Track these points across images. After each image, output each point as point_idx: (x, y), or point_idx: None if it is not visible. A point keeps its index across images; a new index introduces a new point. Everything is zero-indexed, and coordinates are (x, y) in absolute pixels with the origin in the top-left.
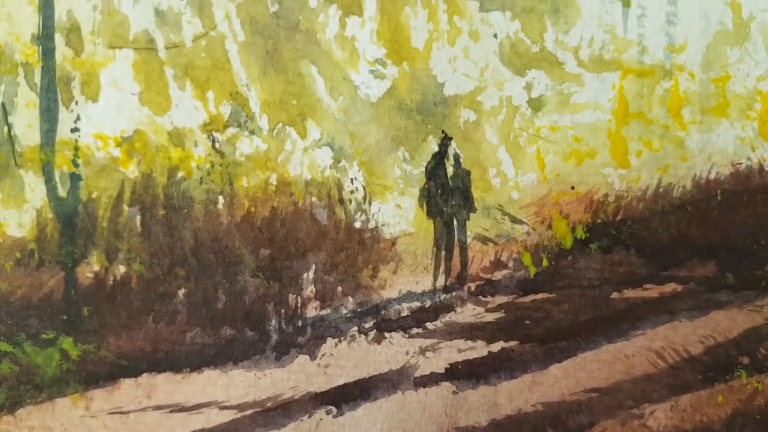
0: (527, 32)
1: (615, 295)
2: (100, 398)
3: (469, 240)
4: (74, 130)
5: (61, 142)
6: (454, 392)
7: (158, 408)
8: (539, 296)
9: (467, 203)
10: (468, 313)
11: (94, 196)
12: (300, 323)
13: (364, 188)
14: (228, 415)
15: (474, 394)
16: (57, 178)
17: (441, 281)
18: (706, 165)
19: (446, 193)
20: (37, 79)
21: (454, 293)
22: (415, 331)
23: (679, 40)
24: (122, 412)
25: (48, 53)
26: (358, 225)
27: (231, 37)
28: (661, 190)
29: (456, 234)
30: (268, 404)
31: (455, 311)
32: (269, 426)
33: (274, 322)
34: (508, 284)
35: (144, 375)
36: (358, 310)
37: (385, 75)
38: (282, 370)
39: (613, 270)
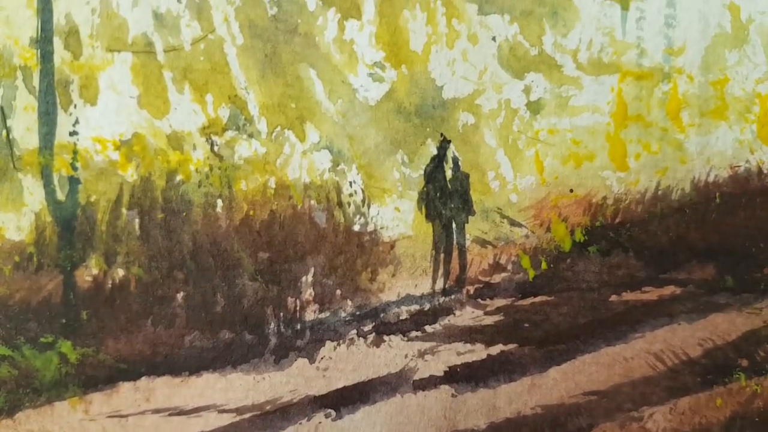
0: (526, 35)
1: (614, 297)
2: (99, 402)
3: (467, 243)
4: (73, 133)
5: (60, 145)
6: (453, 395)
7: (157, 411)
8: (538, 299)
9: (466, 206)
10: (467, 316)
11: (92, 199)
12: (299, 326)
13: (362, 191)
14: (227, 419)
15: (473, 397)
16: (55, 182)
17: (440, 284)
18: (705, 168)
19: (445, 196)
20: (36, 82)
21: (452, 296)
22: (414, 334)
23: (678, 42)
24: (121, 416)
25: (46, 56)
26: (356, 228)
27: (229, 40)
28: (659, 192)
29: (455, 237)
30: (267, 407)
31: (454, 314)
32: (268, 429)
33: (272, 325)
34: (507, 287)
35: (143, 378)
36: (357, 313)
37: (383, 78)
38: (281, 374)
39: (612, 273)
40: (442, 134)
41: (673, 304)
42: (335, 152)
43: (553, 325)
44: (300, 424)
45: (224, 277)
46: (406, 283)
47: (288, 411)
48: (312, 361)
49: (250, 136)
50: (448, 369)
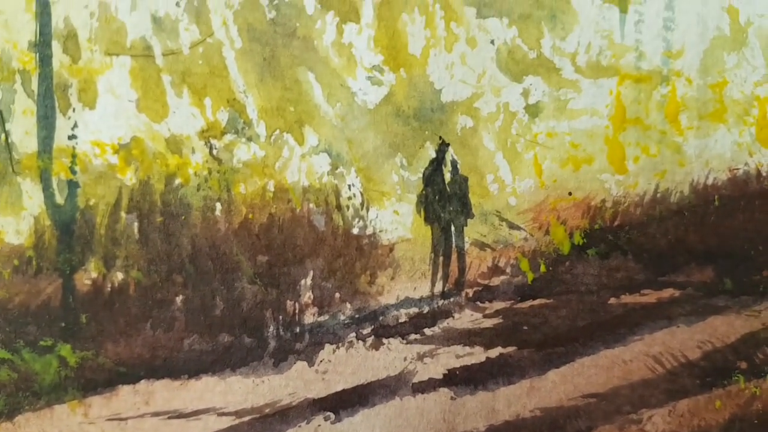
0: (524, 38)
1: (613, 300)
2: (98, 405)
3: (466, 246)
4: (71, 137)
5: (59, 149)
6: (452, 398)
7: (156, 414)
8: (537, 302)
9: (465, 209)
10: (466, 319)
11: (91, 203)
12: (298, 329)
13: (361, 194)
14: (226, 422)
15: (472, 400)
16: (54, 186)
17: (439, 287)
18: (704, 170)
19: (444, 199)
20: (35, 86)
21: (451, 299)
22: (413, 337)
23: (677, 45)
24: (120, 419)
25: (45, 60)
26: (355, 231)
27: (228, 44)
28: (658, 195)
29: (454, 240)
30: (266, 410)
31: (453, 317)
32: None
33: (272, 328)
34: (506, 290)
35: (142, 382)
36: (356, 316)
37: (382, 81)
38: (280, 377)
39: (611, 275)
40: (440, 137)
41: (672, 307)
42: (334, 155)
43: (551, 328)
44: (299, 427)
45: (223, 280)
46: (405, 286)
47: (287, 414)
48: (311, 364)
49: (249, 139)
50: (447, 372)
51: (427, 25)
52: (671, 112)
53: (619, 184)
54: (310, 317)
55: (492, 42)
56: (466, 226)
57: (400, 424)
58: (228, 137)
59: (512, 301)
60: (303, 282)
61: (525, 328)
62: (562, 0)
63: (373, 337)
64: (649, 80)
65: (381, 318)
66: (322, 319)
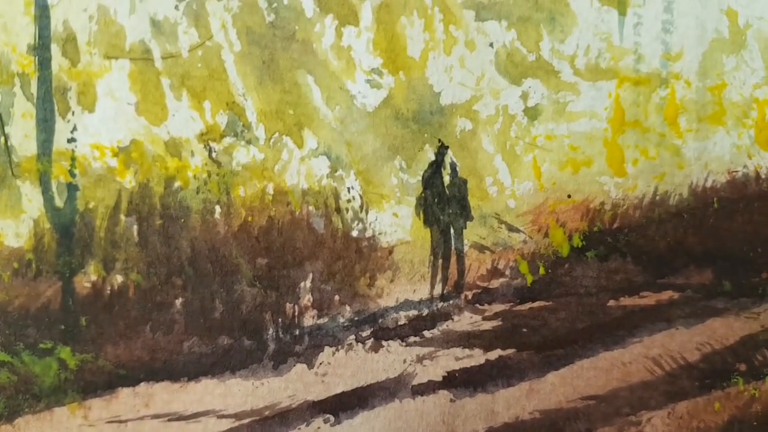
0: (523, 41)
1: (612, 302)
2: (98, 407)
3: (465, 248)
4: (71, 140)
5: (58, 152)
6: (451, 400)
7: (156, 417)
8: (536, 304)
9: (464, 212)
10: (465, 322)
11: (91, 206)
12: (297, 332)
13: (361, 197)
14: (226, 424)
15: (471, 402)
16: (54, 188)
17: (438, 290)
18: (703, 173)
19: (443, 201)
20: (34, 89)
21: (451, 301)
22: (412, 339)
23: (676, 48)
24: (120, 421)
25: (44, 63)
26: (355, 234)
27: (227, 47)
28: (657, 198)
29: (453, 242)
30: (266, 413)
31: (452, 319)
32: None
33: (271, 331)
34: (505, 292)
35: (142, 384)
36: (356, 318)
37: (381, 84)
38: (279, 379)
39: (610, 278)
40: (439, 140)
41: (671, 309)
42: (333, 158)
43: (551, 330)
44: (299, 429)
45: (223, 283)
46: (405, 288)
47: (287, 416)
48: (311, 366)
49: (248, 142)
50: (446, 374)
51: (426, 28)
52: (670, 114)
53: (618, 187)
54: (309, 320)
55: (491, 45)
56: (466, 228)
57: (400, 426)
58: (227, 140)
59: (511, 304)
60: (302, 284)
61: (524, 330)
62: (560, 3)
63: (372, 339)
64: (648, 83)
65: (380, 320)
66: (321, 321)
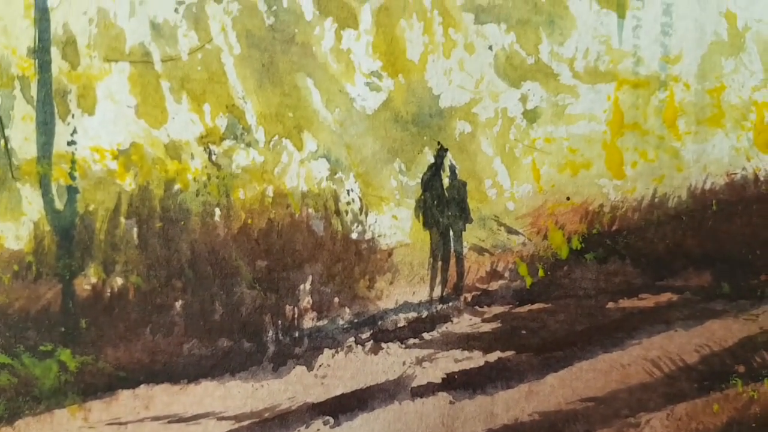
0: (522, 44)
1: (611, 304)
2: (98, 409)
3: (465, 250)
4: (71, 143)
5: (58, 155)
6: (450, 402)
7: (156, 419)
8: (535, 306)
9: (463, 214)
10: (464, 324)
11: (91, 208)
12: (297, 334)
13: (360, 200)
14: (225, 426)
15: (471, 404)
16: (54, 191)
17: (437, 292)
18: (702, 175)
19: (442, 204)
20: (34, 92)
21: (450, 303)
22: (411, 341)
23: (675, 50)
24: (120, 423)
25: (44, 66)
26: (354, 236)
27: (227, 50)
28: (656, 200)
29: (452, 245)
30: (266, 415)
31: (452, 321)
32: None
33: (271, 333)
34: (504, 294)
35: (142, 386)
36: (355, 320)
37: (380, 87)
38: (279, 381)
39: (609, 280)
40: (439, 143)
41: (670, 311)
42: (333, 161)
43: (550, 332)
44: (298, 431)
45: (222, 285)
46: (404, 290)
47: (286, 418)
48: (310, 368)
49: (248, 145)
50: (445, 376)
51: (426, 31)
52: (669, 117)
53: (617, 189)
54: (309, 322)
55: (490, 48)
56: (465, 230)
57: (399, 428)
58: (227, 143)
59: (511, 306)
60: (302, 287)
61: (523, 332)
62: (560, 5)
63: (372, 341)
64: (647, 85)
65: (380, 322)
66: (321, 323)
